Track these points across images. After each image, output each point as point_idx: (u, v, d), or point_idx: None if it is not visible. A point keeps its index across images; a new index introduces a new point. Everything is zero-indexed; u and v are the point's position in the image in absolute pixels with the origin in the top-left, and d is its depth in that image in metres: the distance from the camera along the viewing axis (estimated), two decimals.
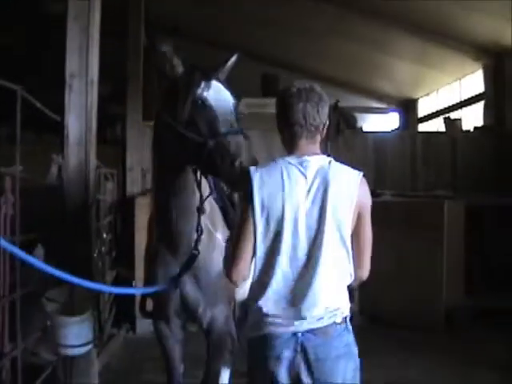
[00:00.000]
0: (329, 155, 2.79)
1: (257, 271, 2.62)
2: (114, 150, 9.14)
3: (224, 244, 3.54)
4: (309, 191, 2.57)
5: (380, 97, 15.03)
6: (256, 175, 2.60)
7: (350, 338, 2.60)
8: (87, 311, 4.11)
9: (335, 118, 10.27)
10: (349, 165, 2.77)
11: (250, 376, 2.69)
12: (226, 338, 3.87)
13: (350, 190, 2.64)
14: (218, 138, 3.04)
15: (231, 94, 3.26)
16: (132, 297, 7.39)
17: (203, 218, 3.54)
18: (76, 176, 4.69)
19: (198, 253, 3.42)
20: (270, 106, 10.15)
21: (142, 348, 6.93)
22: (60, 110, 4.82)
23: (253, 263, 2.63)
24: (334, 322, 2.55)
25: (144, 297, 4.04)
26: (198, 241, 3.43)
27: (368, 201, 2.77)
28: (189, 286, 3.61)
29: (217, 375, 3.91)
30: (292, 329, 2.53)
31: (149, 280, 3.72)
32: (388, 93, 14.79)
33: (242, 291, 4.59)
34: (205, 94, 3.15)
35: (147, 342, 6.95)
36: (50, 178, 5.39)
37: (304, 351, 2.51)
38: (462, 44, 10.75)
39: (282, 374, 2.52)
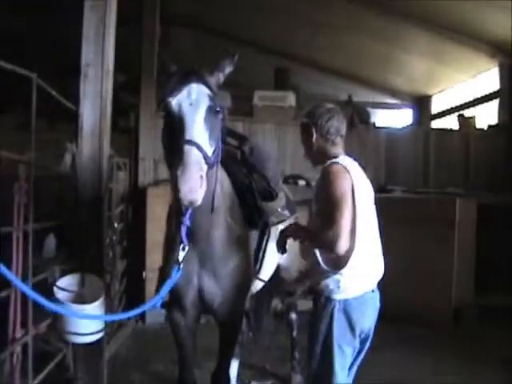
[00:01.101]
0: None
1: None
2: (126, 140, 9.15)
3: (242, 240, 3.75)
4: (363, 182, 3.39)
5: (393, 92, 14.93)
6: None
7: None
8: (98, 299, 4.11)
9: (348, 112, 10.26)
10: (361, 159, 3.29)
11: None
12: (237, 331, 3.89)
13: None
14: (173, 147, 3.01)
15: (212, 91, 3.17)
16: (142, 287, 7.44)
17: (222, 213, 3.60)
18: (89, 165, 4.68)
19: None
20: (281, 99, 10.23)
21: (150, 338, 6.98)
22: (72, 98, 4.83)
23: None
24: None
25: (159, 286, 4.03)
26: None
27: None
28: (206, 280, 3.64)
29: (228, 368, 3.93)
30: None
31: (166, 268, 3.69)
32: (401, 89, 14.69)
33: (255, 284, 4.65)
34: (170, 100, 3.10)
35: (156, 333, 7.02)
36: (64, 167, 5.39)
37: None
38: (478, 41, 10.65)
39: None
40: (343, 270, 3.24)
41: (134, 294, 7.60)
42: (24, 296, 3.92)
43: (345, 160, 3.37)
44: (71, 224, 4.91)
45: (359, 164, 3.51)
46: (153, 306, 3.35)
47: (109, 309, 4.77)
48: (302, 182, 8.73)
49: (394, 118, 15.98)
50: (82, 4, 4.76)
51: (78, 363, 4.87)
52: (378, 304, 3.42)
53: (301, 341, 5.33)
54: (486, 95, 11.76)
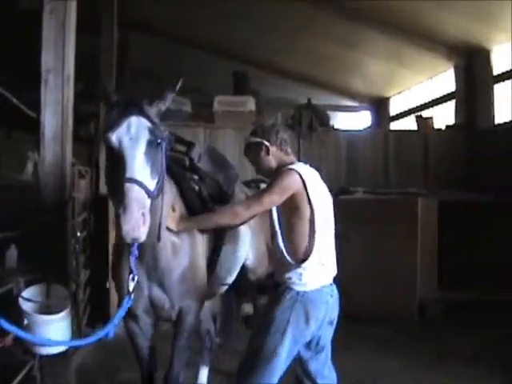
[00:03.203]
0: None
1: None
2: (87, 148, 9.05)
3: (188, 249, 3.78)
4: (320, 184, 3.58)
5: (352, 95, 15.10)
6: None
7: None
8: (65, 309, 4.05)
9: (308, 115, 10.31)
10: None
11: None
12: (188, 336, 3.91)
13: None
14: (115, 184, 3.02)
15: (153, 123, 3.15)
16: (106, 296, 7.33)
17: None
18: (52, 172, 4.62)
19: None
20: (241, 103, 10.22)
21: (117, 347, 6.81)
22: (32, 106, 4.75)
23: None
24: None
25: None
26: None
27: None
28: (155, 289, 3.71)
29: (177, 374, 3.91)
30: None
31: (114, 280, 3.85)
32: (360, 91, 14.86)
33: (223, 286, 4.63)
34: (110, 135, 3.07)
35: (122, 342, 6.85)
36: (26, 175, 5.30)
37: None
38: (434, 43, 10.85)
39: None
40: (304, 264, 3.42)
41: (97, 304, 7.48)
42: None
43: (298, 166, 3.55)
44: (34, 233, 4.82)
45: (316, 169, 3.69)
46: (106, 334, 3.34)
47: (75, 318, 4.69)
48: (263, 185, 8.72)
49: (353, 120, 16.15)
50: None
51: (45, 375, 4.78)
52: (335, 295, 3.58)
53: None
54: (443, 96, 11.96)
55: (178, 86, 3.36)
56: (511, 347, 6.76)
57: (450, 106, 11.52)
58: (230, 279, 4.63)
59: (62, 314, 3.97)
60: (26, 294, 4.14)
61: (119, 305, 3.60)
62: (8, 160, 5.12)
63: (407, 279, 8.02)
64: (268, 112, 10.63)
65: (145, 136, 3.08)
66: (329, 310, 3.52)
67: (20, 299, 4.04)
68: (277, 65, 13.97)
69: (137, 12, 11.52)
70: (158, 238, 3.46)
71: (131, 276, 3.30)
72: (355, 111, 15.80)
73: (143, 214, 2.91)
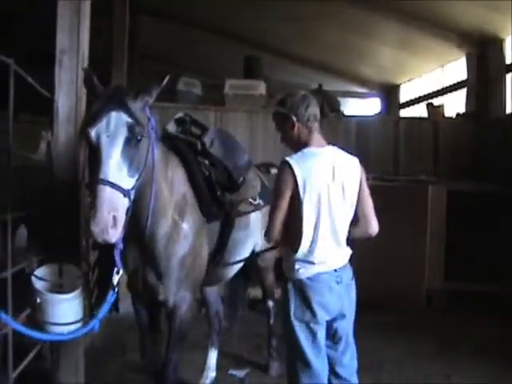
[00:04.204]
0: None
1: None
2: None
3: (191, 236, 3.86)
4: (331, 170, 3.44)
5: (362, 82, 15.04)
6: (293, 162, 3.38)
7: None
8: (77, 289, 4.07)
9: (319, 101, 10.25)
10: None
11: None
12: (184, 324, 3.96)
13: (355, 171, 3.58)
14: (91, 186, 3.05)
15: (134, 118, 3.12)
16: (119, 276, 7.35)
17: (169, 210, 3.73)
18: (65, 152, 4.63)
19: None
20: (252, 87, 10.19)
21: (125, 327, 6.91)
22: (44, 86, 4.75)
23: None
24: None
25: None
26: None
27: (365, 177, 3.67)
28: (149, 274, 3.81)
29: (175, 363, 3.97)
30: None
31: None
32: (371, 78, 14.80)
33: (232, 271, 4.66)
34: (89, 131, 3.06)
35: (130, 322, 6.92)
36: (39, 155, 5.31)
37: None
38: (446, 31, 10.76)
39: None
40: (296, 254, 3.44)
41: (105, 285, 7.50)
42: (2, 286, 3.86)
43: (303, 155, 3.48)
44: (46, 213, 4.84)
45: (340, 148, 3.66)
46: (91, 328, 3.53)
47: (88, 299, 4.71)
48: (274, 170, 8.72)
49: (363, 107, 16.09)
50: None
51: (55, 354, 4.82)
52: (344, 281, 3.55)
53: (278, 328, 5.34)
54: (454, 84, 11.89)
55: (164, 82, 3.32)
56: None
57: (461, 94, 11.45)
58: (237, 266, 4.67)
59: (74, 293, 3.99)
60: (38, 273, 4.16)
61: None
62: (28, 142, 5.11)
63: (415, 268, 8.03)
64: (279, 96, 10.58)
65: (123, 133, 3.07)
66: (336, 297, 3.49)
67: (33, 278, 4.06)
68: (288, 50, 13.92)
69: None
70: (146, 227, 3.53)
71: (116, 269, 3.38)
72: (365, 98, 15.75)
73: (114, 217, 2.93)
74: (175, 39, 13.75)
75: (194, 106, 9.35)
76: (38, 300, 3.95)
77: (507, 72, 10.31)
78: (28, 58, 6.69)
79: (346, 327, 3.63)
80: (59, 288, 4.15)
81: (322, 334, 3.51)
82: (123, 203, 3.01)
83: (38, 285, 4.04)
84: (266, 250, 4.25)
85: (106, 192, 2.92)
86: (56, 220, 4.65)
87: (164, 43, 14.41)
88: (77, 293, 4.03)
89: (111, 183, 2.95)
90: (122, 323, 7.09)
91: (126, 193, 3.02)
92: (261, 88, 10.02)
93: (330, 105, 10.47)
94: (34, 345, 4.71)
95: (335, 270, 3.50)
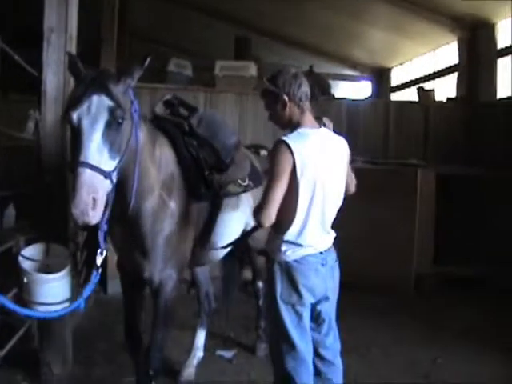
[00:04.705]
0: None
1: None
2: None
3: (177, 213, 3.89)
4: (324, 152, 3.42)
5: (353, 65, 15.01)
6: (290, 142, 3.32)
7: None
8: (64, 269, 4.06)
9: (309, 83, 10.22)
10: None
11: None
12: (168, 304, 3.98)
13: (345, 152, 3.60)
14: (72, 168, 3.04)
15: (115, 101, 3.11)
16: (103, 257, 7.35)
17: (157, 187, 3.77)
18: (53, 132, 4.61)
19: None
20: (243, 69, 10.13)
21: (113, 309, 6.89)
22: (32, 66, 4.72)
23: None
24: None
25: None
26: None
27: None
28: (135, 252, 3.84)
29: (160, 342, 4.00)
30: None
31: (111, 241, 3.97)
32: (362, 61, 14.77)
33: (221, 253, 4.66)
34: (71, 113, 3.07)
35: (118, 303, 6.90)
36: (27, 134, 5.28)
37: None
38: (438, 15, 10.74)
39: None
40: (284, 235, 3.41)
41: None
42: None
43: (299, 135, 3.43)
44: (34, 193, 4.82)
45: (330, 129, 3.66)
46: (77, 307, 3.46)
47: (76, 279, 4.70)
48: (263, 152, 8.70)
49: (354, 90, 16.07)
50: None
51: (43, 334, 4.82)
52: (329, 263, 3.55)
53: None
54: (445, 68, 11.89)
55: (146, 63, 3.28)
56: (505, 322, 6.80)
57: (452, 78, 11.44)
58: (225, 243, 4.67)
59: (62, 273, 3.99)
60: (25, 252, 4.15)
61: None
62: (16, 120, 5.08)
63: (404, 250, 8.04)
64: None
65: (104, 116, 3.08)
66: (322, 279, 3.49)
67: (20, 258, 4.05)
68: (279, 32, 13.86)
69: None
70: (129, 207, 3.55)
71: (99, 250, 3.35)
72: (357, 81, 15.72)
73: (94, 199, 2.94)
74: (166, 19, 13.66)
75: (184, 87, 9.28)
76: (25, 280, 3.95)
77: (498, 57, 10.30)
78: (15, 34, 6.64)
79: (329, 309, 3.63)
80: (47, 268, 4.15)
81: (307, 316, 3.51)
82: (104, 185, 3.04)
83: (25, 264, 4.04)
84: (254, 229, 4.20)
85: (86, 174, 2.94)
86: (44, 200, 4.64)
87: (155, 23, 14.32)
88: (64, 272, 4.03)
89: (91, 165, 2.96)
90: (110, 304, 7.09)
91: (106, 175, 3.04)
92: (251, 69, 9.95)
93: (320, 87, 10.42)
94: (21, 324, 4.72)
95: (321, 253, 3.49)
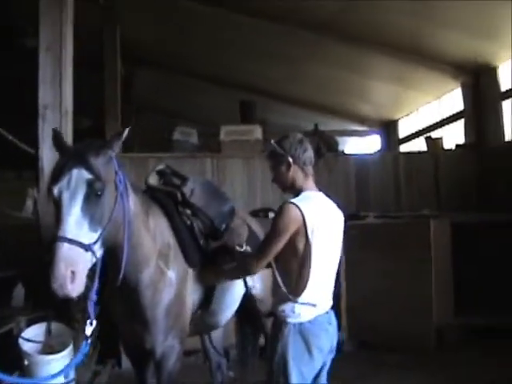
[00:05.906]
0: None
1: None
2: None
3: (176, 282, 3.86)
4: (328, 215, 3.48)
5: (360, 119, 15.07)
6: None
7: None
8: (67, 348, 3.98)
9: (315, 141, 10.20)
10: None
11: None
12: (171, 373, 3.91)
13: (340, 217, 3.65)
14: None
15: (95, 174, 3.11)
16: (116, 331, 7.23)
17: (154, 257, 3.74)
18: (51, 209, 4.57)
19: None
20: (248, 132, 10.18)
21: (125, 383, 6.77)
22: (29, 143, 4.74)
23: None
24: None
25: None
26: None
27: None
28: (135, 324, 3.79)
29: None
30: None
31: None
32: (368, 115, 14.82)
33: (223, 318, 4.58)
34: (52, 188, 3.10)
35: (131, 377, 6.79)
36: (25, 212, 5.27)
37: None
38: (440, 63, 10.79)
39: None
40: (298, 298, 3.38)
41: (107, 340, 7.38)
42: None
43: (304, 198, 3.47)
44: (38, 271, 4.76)
45: (327, 195, 3.65)
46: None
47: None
48: (272, 215, 8.64)
49: (363, 144, 16.09)
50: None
51: None
52: (333, 322, 3.55)
53: None
54: (452, 115, 11.88)
55: (124, 134, 3.30)
56: None
57: (459, 125, 11.41)
58: (228, 313, 4.63)
59: (63, 353, 3.91)
60: (26, 333, 4.09)
61: None
62: (15, 200, 5.10)
63: (422, 304, 7.82)
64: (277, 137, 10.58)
65: (83, 189, 3.08)
66: (329, 337, 3.48)
67: (20, 340, 3.98)
68: (283, 92, 14.00)
69: (140, 47, 11.59)
70: (118, 281, 3.50)
71: (89, 321, 3.29)
72: (364, 135, 15.75)
73: (73, 272, 2.93)
74: (170, 89, 13.86)
75: (190, 155, 9.32)
76: (26, 362, 3.87)
77: (502, 99, 10.28)
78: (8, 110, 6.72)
79: (328, 364, 3.59)
80: (49, 348, 4.07)
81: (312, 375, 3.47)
82: (84, 258, 3.01)
83: (26, 346, 3.96)
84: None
85: (64, 248, 2.93)
86: (45, 279, 4.57)
87: (159, 93, 14.53)
88: (65, 352, 3.95)
89: (69, 239, 2.96)
90: (124, 378, 6.95)
91: (87, 247, 3.02)
92: (256, 132, 10.00)
93: (326, 145, 10.42)
94: None
95: (326, 312, 3.48)
